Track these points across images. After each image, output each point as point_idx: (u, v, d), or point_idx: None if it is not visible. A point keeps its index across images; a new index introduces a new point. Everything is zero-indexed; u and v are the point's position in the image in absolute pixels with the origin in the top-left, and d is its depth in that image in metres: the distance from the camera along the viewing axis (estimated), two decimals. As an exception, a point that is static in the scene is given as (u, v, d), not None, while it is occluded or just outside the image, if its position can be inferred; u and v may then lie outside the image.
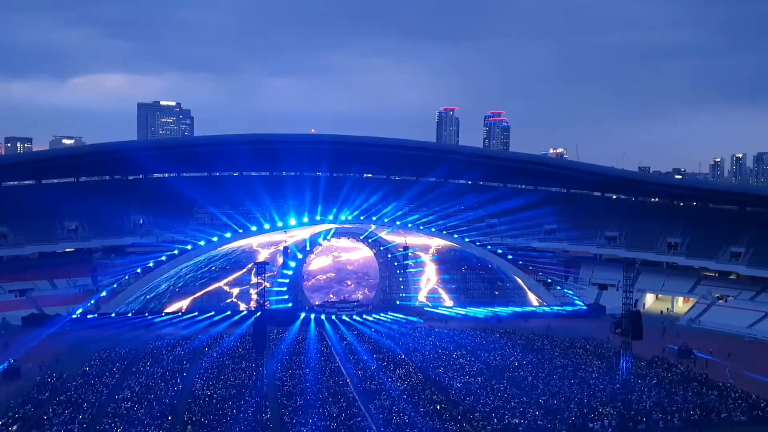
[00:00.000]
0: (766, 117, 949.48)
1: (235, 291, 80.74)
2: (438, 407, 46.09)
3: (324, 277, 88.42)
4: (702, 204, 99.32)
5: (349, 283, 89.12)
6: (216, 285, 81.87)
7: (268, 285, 74.54)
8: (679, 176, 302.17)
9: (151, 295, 79.52)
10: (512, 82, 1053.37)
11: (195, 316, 75.70)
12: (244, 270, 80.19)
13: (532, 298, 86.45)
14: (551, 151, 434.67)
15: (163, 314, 76.29)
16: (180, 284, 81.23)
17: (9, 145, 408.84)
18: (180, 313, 77.44)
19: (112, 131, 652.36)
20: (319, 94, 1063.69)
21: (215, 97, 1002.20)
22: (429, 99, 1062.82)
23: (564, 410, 45.88)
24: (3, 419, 42.49)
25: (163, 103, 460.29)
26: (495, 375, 54.35)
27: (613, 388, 49.45)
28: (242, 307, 79.04)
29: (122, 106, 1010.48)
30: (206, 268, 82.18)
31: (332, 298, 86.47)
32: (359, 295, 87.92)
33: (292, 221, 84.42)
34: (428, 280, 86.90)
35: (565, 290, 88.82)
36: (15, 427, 41.49)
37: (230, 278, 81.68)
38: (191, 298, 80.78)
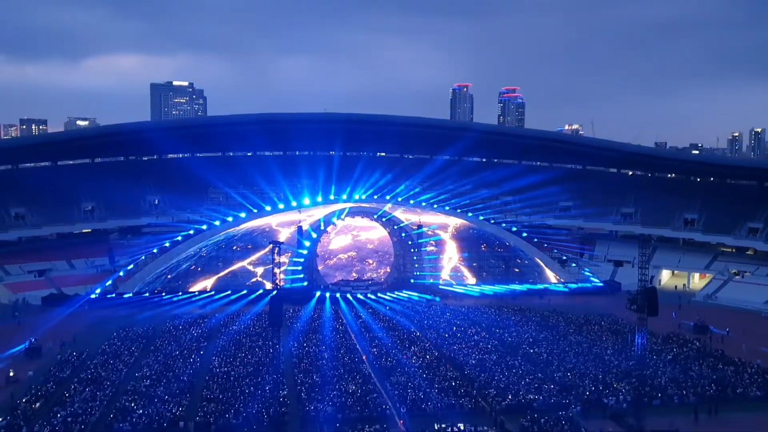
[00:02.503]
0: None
1: (260, 270, 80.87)
2: (453, 383, 46.39)
3: (346, 256, 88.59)
4: (719, 179, 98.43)
5: (371, 261, 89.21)
6: (240, 264, 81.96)
7: (286, 262, 75.30)
8: (697, 152, 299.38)
9: (173, 274, 79.99)
10: (527, 58, 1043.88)
11: (212, 295, 76.37)
12: (266, 249, 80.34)
13: (550, 275, 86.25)
14: (567, 127, 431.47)
15: (180, 294, 76.85)
16: (202, 264, 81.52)
17: (24, 127, 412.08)
18: (197, 293, 78.04)
19: (125, 112, 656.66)
20: (332, 72, 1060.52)
21: (228, 77, 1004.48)
22: (443, 76, 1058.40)
23: (579, 386, 46.03)
24: (26, 396, 43.28)
25: (176, 83, 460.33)
26: (510, 352, 54.54)
27: (628, 364, 49.43)
28: (268, 286, 79.35)
29: (135, 87, 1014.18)
30: (226, 248, 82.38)
31: (354, 276, 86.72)
32: (381, 273, 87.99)
33: (306, 201, 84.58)
34: (450, 258, 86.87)
35: (581, 267, 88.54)
36: (38, 404, 42.27)
37: (253, 257, 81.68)
38: (216, 277, 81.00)
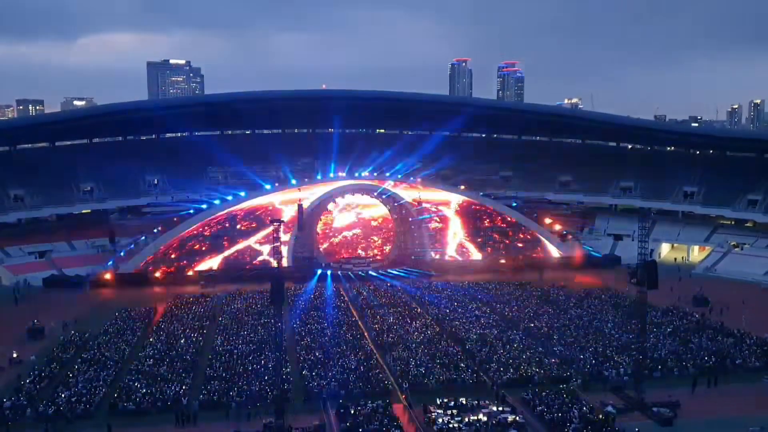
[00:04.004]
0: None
1: (266, 249, 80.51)
2: (454, 358, 46.63)
3: (350, 234, 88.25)
4: (719, 152, 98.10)
5: (375, 239, 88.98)
6: (245, 243, 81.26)
7: (288, 240, 75.45)
8: (696, 124, 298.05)
9: (176, 254, 79.49)
10: (526, 32, 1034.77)
11: (213, 274, 76.32)
12: (271, 228, 79.62)
13: (551, 249, 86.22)
14: (566, 101, 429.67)
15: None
16: (206, 243, 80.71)
17: (21, 107, 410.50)
18: (197, 272, 77.88)
19: (122, 91, 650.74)
20: (330, 48, 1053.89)
21: (225, 54, 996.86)
22: (441, 51, 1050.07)
23: (579, 359, 46.35)
24: (30, 377, 43.55)
25: (172, 61, 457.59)
26: (511, 326, 54.83)
27: (628, 337, 49.74)
28: (275, 264, 78.83)
29: (132, 66, 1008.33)
30: (231, 227, 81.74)
31: (359, 253, 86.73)
32: (387, 251, 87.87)
33: (306, 179, 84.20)
34: (454, 234, 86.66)
35: (581, 241, 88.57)
36: (42, 385, 42.53)
37: (259, 236, 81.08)
38: (221, 256, 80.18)
